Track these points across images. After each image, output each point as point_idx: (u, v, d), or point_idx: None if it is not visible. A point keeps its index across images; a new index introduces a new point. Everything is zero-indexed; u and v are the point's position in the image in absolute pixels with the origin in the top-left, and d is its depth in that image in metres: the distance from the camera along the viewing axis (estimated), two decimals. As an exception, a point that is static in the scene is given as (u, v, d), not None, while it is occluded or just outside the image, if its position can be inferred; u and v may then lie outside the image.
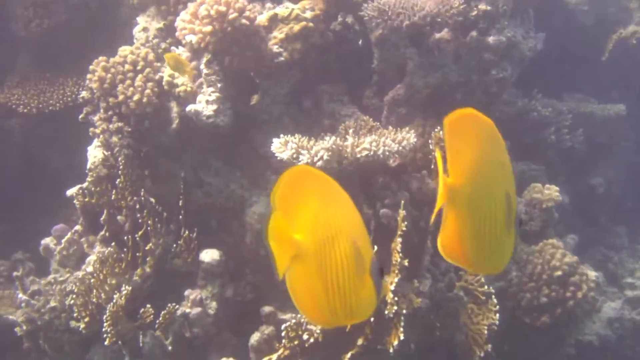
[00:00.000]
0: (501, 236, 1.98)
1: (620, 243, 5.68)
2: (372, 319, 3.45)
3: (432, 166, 3.77)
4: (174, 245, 4.04)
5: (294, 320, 3.53)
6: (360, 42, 4.31)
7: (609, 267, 5.30)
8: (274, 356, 3.60)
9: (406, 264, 3.41)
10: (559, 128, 5.23)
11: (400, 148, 3.56)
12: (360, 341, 3.48)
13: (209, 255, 3.99)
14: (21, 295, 4.19)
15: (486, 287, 3.65)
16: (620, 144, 5.92)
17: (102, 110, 4.13)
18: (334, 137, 3.54)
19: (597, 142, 5.84)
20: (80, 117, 4.29)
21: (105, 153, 4.18)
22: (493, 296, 3.66)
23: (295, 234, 1.91)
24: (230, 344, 4.00)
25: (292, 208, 1.91)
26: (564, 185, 5.37)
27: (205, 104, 3.88)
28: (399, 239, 3.44)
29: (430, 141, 3.80)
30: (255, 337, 3.81)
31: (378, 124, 4.02)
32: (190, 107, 3.89)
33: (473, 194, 1.95)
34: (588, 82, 5.94)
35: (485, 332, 3.59)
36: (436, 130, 3.81)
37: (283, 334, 3.53)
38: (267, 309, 3.91)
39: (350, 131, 3.69)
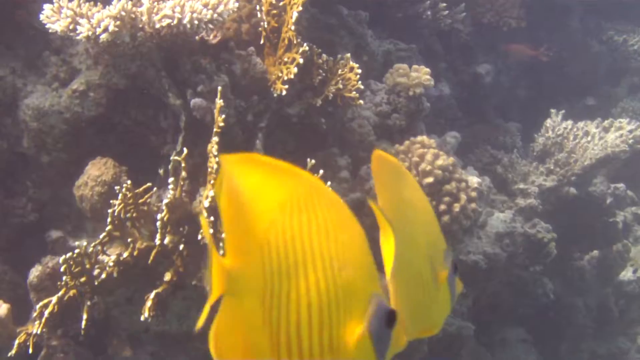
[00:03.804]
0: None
1: (511, 142, 5.23)
2: (181, 247, 2.84)
3: (262, 40, 3.14)
4: None
5: (77, 250, 2.87)
6: None
7: (497, 171, 4.81)
8: (54, 298, 2.94)
9: None
10: (436, 2, 4.67)
11: (216, 16, 2.91)
12: (168, 276, 2.91)
13: (-29, 165, 3.29)
14: None
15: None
16: (510, 24, 5.44)
17: None
18: (123, 0, 2.83)
19: (483, 22, 5.37)
20: None
21: None
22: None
23: (229, 258, 1.34)
24: (4, 281, 3.34)
25: (231, 217, 1.36)
26: (446, 73, 4.99)
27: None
28: (216, 138, 2.84)
29: (258, 8, 3.16)
30: (35, 273, 3.16)
31: (191, -14, 3.34)
32: None
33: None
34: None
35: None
36: (268, -8, 3.19)
37: (63, 268, 2.88)
38: (54, 233, 3.30)
39: (149, -7, 2.99)
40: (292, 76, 3.08)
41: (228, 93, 3.06)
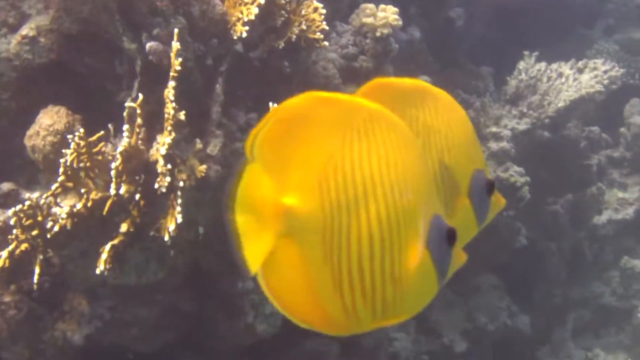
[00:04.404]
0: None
1: (483, 85, 5.10)
2: (137, 197, 2.71)
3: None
4: None
5: (28, 202, 2.73)
6: None
7: (469, 115, 4.65)
8: (4, 252, 2.81)
9: (182, 117, 2.71)
10: (404, -60, 4.52)
11: (171, -49, 2.75)
12: (124, 227, 2.77)
13: None
14: None
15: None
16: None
17: None
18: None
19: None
20: None
21: None
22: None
23: (287, 197, 1.33)
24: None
25: (285, 157, 1.35)
26: (416, 17, 4.82)
27: None
28: (173, 83, 2.71)
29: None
30: (-14, 228, 3.01)
31: None
32: None
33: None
34: None
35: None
36: None
37: (13, 221, 2.74)
38: (6, 186, 3.11)
39: None
40: (252, 17, 2.92)
41: (186, 36, 2.89)
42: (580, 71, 4.66)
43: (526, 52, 4.81)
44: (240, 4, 2.99)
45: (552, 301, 5.10)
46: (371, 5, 3.61)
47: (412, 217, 1.34)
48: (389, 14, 3.55)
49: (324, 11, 3.15)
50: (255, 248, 1.32)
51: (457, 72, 5.08)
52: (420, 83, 1.60)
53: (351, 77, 3.54)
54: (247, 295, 3.15)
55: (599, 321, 5.26)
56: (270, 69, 3.22)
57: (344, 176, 1.32)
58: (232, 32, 2.97)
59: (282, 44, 3.11)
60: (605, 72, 4.59)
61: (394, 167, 1.34)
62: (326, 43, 3.18)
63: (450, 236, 1.39)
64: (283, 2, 3.12)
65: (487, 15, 5.68)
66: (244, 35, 2.93)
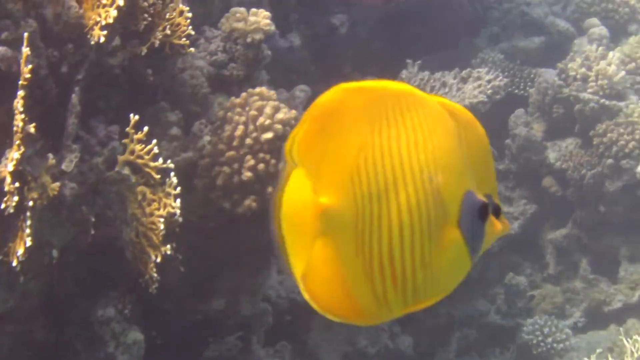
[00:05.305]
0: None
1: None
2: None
3: None
4: None
5: None
6: None
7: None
8: None
9: (32, 130, 2.57)
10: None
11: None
12: (-34, 251, 2.63)
13: None
14: None
15: (161, 160, 2.83)
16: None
17: None
18: None
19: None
20: None
21: None
22: (172, 174, 2.92)
23: (323, 197, 1.37)
24: None
25: (321, 155, 1.38)
26: (298, 25, 4.78)
27: None
28: (22, 92, 2.57)
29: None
30: None
31: None
32: None
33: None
34: None
35: (162, 226, 2.85)
36: None
37: None
38: None
39: None
40: (111, 20, 2.79)
41: (37, 41, 2.76)
42: (464, 80, 4.67)
43: (409, 61, 4.80)
44: (98, 7, 2.87)
45: (436, 320, 5.08)
46: (242, 9, 3.52)
47: (442, 199, 1.37)
48: (261, 18, 3.47)
49: (189, 15, 3.07)
50: (300, 253, 1.36)
51: (341, 82, 5.03)
52: (403, 86, 1.45)
53: (221, 85, 3.47)
54: (107, 323, 3.04)
55: (484, 340, 5.26)
56: (132, 77, 3.12)
57: (374, 166, 1.35)
58: (89, 36, 2.85)
59: (144, 50, 3.01)
60: (488, 81, 4.61)
61: (423, 150, 1.36)
62: (192, 49, 3.11)
63: (483, 211, 1.42)
64: (146, 4, 3.01)
65: (371, 23, 5.65)
66: (102, 40, 2.81)
